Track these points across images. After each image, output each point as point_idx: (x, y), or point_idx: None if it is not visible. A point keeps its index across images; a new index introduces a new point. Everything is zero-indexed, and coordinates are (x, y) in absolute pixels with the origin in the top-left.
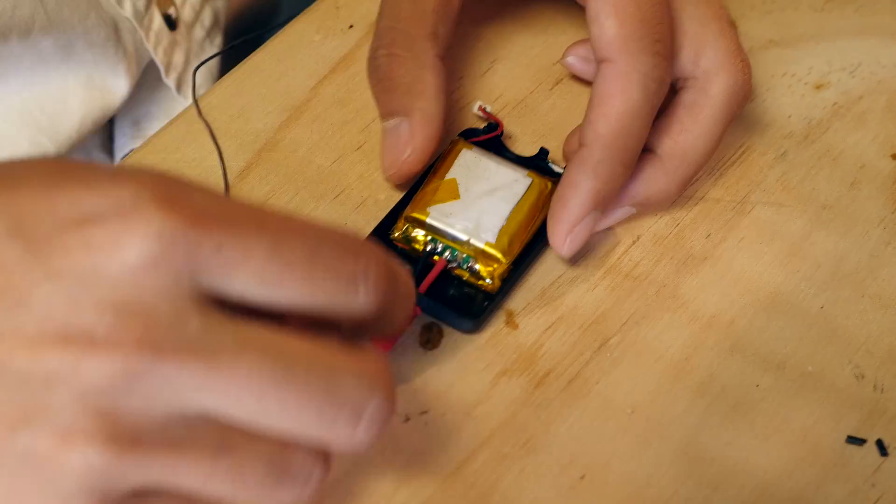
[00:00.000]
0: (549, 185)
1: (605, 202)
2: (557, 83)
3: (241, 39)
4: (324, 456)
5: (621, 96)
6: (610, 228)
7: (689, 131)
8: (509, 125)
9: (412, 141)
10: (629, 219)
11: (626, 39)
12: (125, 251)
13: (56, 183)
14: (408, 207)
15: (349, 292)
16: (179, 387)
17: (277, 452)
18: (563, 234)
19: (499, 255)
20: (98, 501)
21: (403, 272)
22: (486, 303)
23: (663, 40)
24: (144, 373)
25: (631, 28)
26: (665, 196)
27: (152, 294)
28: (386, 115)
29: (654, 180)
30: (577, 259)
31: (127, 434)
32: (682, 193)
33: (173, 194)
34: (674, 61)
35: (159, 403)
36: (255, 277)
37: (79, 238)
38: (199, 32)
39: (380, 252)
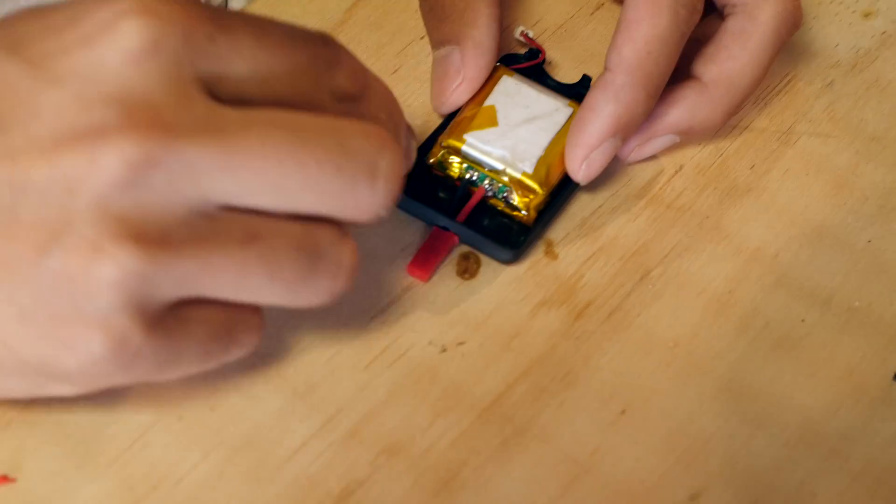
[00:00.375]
0: None
1: (625, 129)
2: (599, 7)
3: None
4: (348, 238)
5: (650, 21)
6: (653, 157)
7: (736, 59)
8: (549, 50)
9: (463, 70)
10: (672, 147)
11: None
12: (122, 37)
13: (45, 9)
14: (444, 133)
15: (330, 67)
16: (197, 170)
17: (305, 233)
18: (580, 159)
19: (535, 186)
20: (139, 315)
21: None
22: (522, 234)
23: None
24: (161, 156)
25: None
26: (710, 125)
27: (156, 79)
28: (437, 43)
29: (698, 108)
30: (618, 188)
31: (154, 234)
32: (727, 123)
33: None
34: None
35: (180, 194)
36: (245, 62)
37: (74, 35)
38: None
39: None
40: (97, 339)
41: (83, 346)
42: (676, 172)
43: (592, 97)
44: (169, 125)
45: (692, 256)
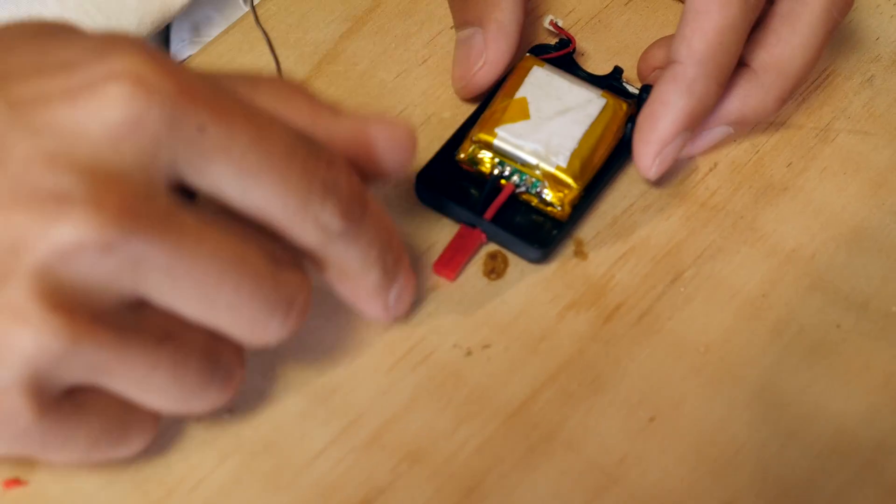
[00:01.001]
0: (624, 106)
1: (696, 122)
2: None
3: None
4: (242, 353)
5: (721, 11)
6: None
7: (786, 42)
8: (581, 42)
9: (485, 52)
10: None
11: None
12: (106, 105)
13: (46, 38)
14: (475, 127)
15: (319, 200)
16: (142, 266)
17: (210, 342)
18: (652, 155)
19: (570, 181)
20: (36, 396)
21: (382, 213)
22: (555, 231)
23: None
24: (115, 244)
25: None
26: (762, 113)
27: (130, 161)
28: (460, 24)
29: (750, 96)
30: (650, 185)
31: (84, 316)
32: (780, 110)
33: (160, 57)
34: None
35: (117, 283)
36: (233, 166)
37: (62, 85)
38: None
39: (352, 173)
40: None
41: None
42: (711, 170)
43: (663, 90)
44: (131, 215)
45: (726, 258)
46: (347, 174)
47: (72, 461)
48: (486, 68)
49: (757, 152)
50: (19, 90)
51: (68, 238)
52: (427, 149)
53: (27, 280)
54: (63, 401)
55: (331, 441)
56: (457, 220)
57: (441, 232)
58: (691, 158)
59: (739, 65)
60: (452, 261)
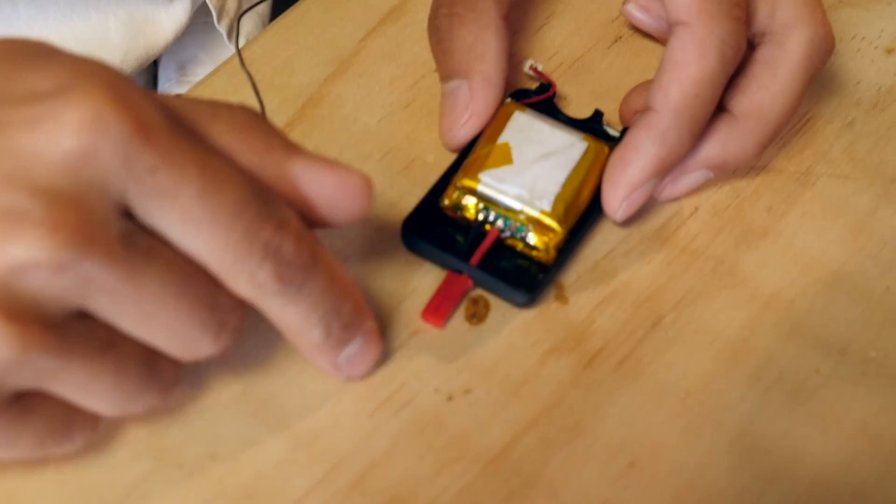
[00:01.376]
0: (606, 149)
1: (666, 170)
2: (616, 41)
3: None
4: (178, 362)
5: (698, 62)
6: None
7: (766, 89)
8: (564, 85)
9: (471, 104)
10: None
11: (705, 2)
12: (65, 134)
13: (19, 63)
14: (458, 174)
15: (257, 260)
16: (91, 286)
17: (149, 353)
18: (620, 199)
19: (554, 225)
20: None
21: (334, 267)
22: (540, 275)
23: (741, 4)
24: (69, 265)
25: None
26: (742, 158)
27: (84, 188)
28: (446, 76)
29: (730, 142)
30: (631, 230)
31: (36, 328)
32: (761, 156)
33: (127, 94)
34: (751, 16)
35: (66, 299)
36: (178, 212)
37: (23, 114)
38: None
39: (304, 233)
40: None
41: None
42: (691, 214)
43: (636, 137)
44: (84, 238)
45: (706, 303)
46: (296, 237)
47: (18, 458)
48: (472, 120)
49: (737, 196)
50: None
51: (24, 256)
52: (411, 192)
53: None
54: (11, 404)
55: (312, 487)
56: (442, 266)
57: (424, 277)
58: (672, 202)
59: (720, 110)
60: (440, 308)
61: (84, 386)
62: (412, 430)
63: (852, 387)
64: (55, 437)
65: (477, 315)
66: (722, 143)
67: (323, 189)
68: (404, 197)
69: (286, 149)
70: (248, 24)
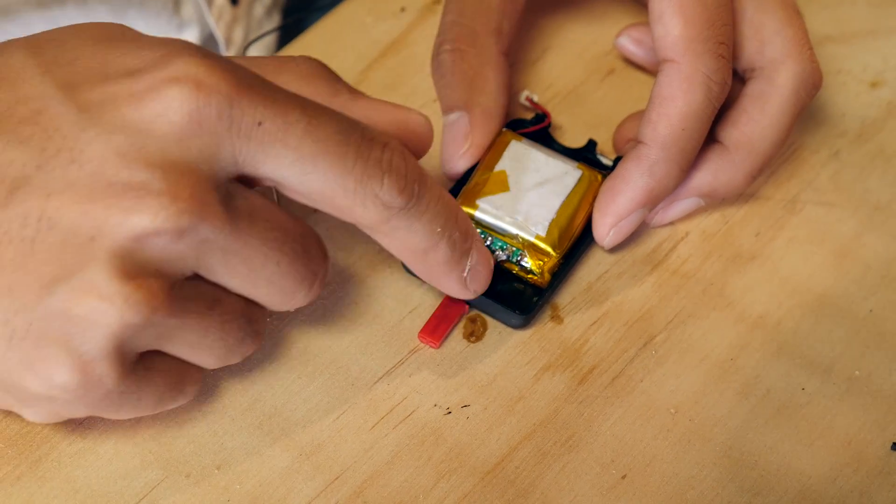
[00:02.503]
0: (599, 177)
1: (655, 201)
2: (609, 73)
3: (293, 17)
4: (266, 314)
5: (684, 98)
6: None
7: (756, 121)
8: (559, 115)
9: (471, 136)
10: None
11: (692, 41)
12: (170, 107)
13: (107, 43)
14: (457, 200)
15: (376, 177)
16: (204, 249)
17: (245, 306)
18: (608, 227)
19: (549, 249)
20: (119, 362)
21: (439, 187)
22: (535, 298)
23: (727, 43)
24: (187, 231)
25: (696, 29)
26: (733, 188)
27: (195, 156)
28: (447, 109)
29: (721, 172)
30: (624, 253)
31: (158, 292)
32: (750, 185)
33: (215, 59)
34: (740, 52)
35: (183, 262)
36: (291, 154)
37: (127, 89)
38: (258, 10)
39: (405, 150)
40: (73, 377)
41: (58, 379)
42: (682, 239)
43: (626, 168)
44: (201, 204)
45: (696, 323)
46: (402, 154)
47: (138, 415)
48: (472, 151)
49: (727, 222)
50: (88, 95)
51: (146, 225)
52: None
53: (107, 263)
54: (137, 364)
55: (315, 496)
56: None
57: (423, 296)
58: (663, 228)
59: (713, 141)
60: (437, 329)
61: (195, 342)
62: (412, 442)
63: (837, 404)
64: (172, 393)
65: (475, 333)
66: (713, 173)
67: (388, 128)
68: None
69: (351, 92)
70: (256, 54)
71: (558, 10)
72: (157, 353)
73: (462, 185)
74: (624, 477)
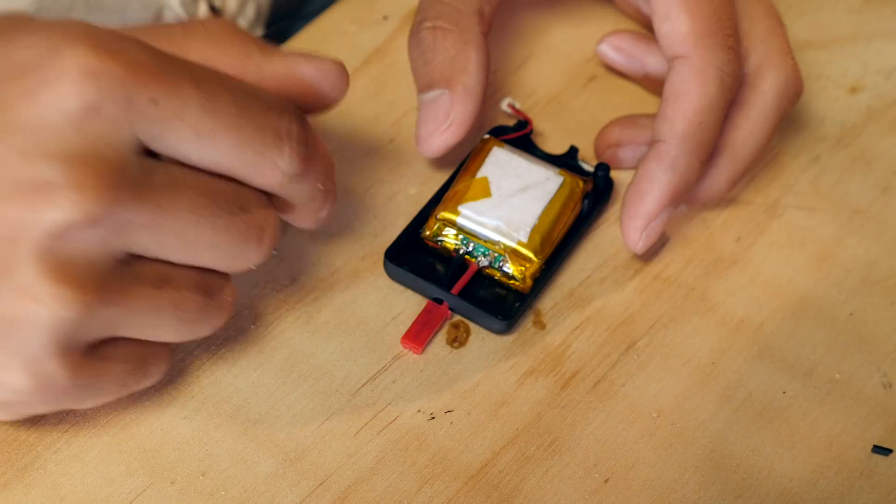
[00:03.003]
0: (581, 183)
1: (681, 197)
2: (591, 80)
3: (274, 28)
4: (229, 278)
5: (699, 91)
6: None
7: (739, 128)
8: (541, 122)
9: (452, 113)
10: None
11: (701, 35)
12: (63, 97)
13: (2, 38)
14: (439, 206)
15: (275, 147)
16: (127, 229)
17: (200, 276)
18: (640, 230)
19: (531, 255)
20: (67, 358)
21: (322, 143)
22: (517, 303)
23: (733, 35)
24: (99, 216)
25: (704, 24)
26: (714, 193)
27: (95, 141)
28: (425, 86)
29: (703, 177)
30: (606, 259)
31: (88, 283)
32: (732, 191)
33: (108, 42)
34: None
35: (109, 247)
36: (188, 130)
37: (17, 88)
38: (242, 23)
39: (301, 115)
40: (24, 380)
41: (10, 383)
42: (664, 244)
43: (648, 168)
44: (109, 187)
45: (677, 327)
46: (298, 119)
47: (104, 402)
48: (453, 128)
49: (708, 227)
50: None
51: (58, 220)
52: (394, 223)
53: (31, 264)
54: (89, 356)
55: (300, 502)
56: (423, 294)
57: (406, 302)
58: None
59: None
60: (420, 335)
61: (149, 324)
62: (396, 448)
63: (818, 407)
64: (135, 376)
65: (458, 339)
66: None
67: (304, 80)
68: (388, 228)
69: (263, 50)
70: None
71: (540, 16)
72: (113, 340)
73: (444, 192)
74: (607, 481)
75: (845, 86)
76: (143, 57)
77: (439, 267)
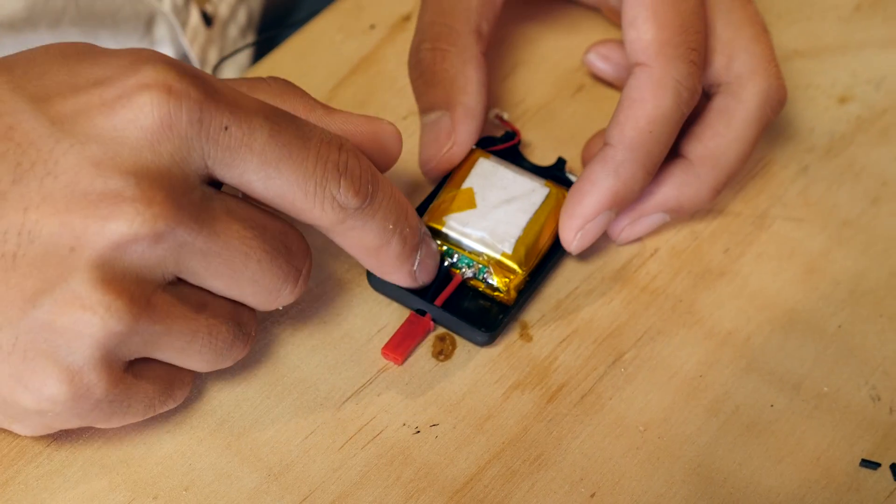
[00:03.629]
0: (567, 195)
1: (621, 203)
2: (579, 89)
3: (263, 36)
4: (255, 316)
5: (653, 101)
6: (637, 239)
7: (721, 136)
8: (529, 131)
9: (454, 135)
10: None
11: (664, 45)
12: (140, 113)
13: (74, 57)
14: (424, 217)
15: (333, 180)
16: (183, 252)
17: (233, 308)
18: (575, 230)
19: (515, 266)
20: (107, 371)
21: (391, 187)
22: (501, 315)
23: (699, 49)
24: (163, 235)
25: (669, 34)
26: (697, 202)
27: (167, 160)
28: (426, 108)
29: (686, 186)
30: (593, 270)
31: (140, 299)
32: (715, 200)
33: (185, 66)
34: (707, 67)
35: (163, 267)
36: (256, 159)
37: (97, 98)
38: (233, 31)
39: (360, 154)
40: (62, 389)
41: (47, 392)
42: (651, 255)
43: (591, 170)
44: (176, 208)
45: (665, 340)
46: (357, 156)
47: (129, 422)
48: (455, 150)
49: (696, 239)
50: (59, 107)
51: (124, 232)
52: None
53: (88, 273)
54: (126, 373)
55: None
56: (407, 306)
57: (391, 315)
58: (631, 244)
59: (678, 156)
60: (401, 346)
61: (183, 347)
62: (380, 462)
63: (805, 420)
64: (161, 398)
65: (444, 352)
66: (678, 188)
67: (363, 139)
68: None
69: (325, 107)
70: (229, 74)
71: (529, 25)
72: (147, 360)
73: (429, 202)
74: (593, 495)
75: (835, 95)
76: (219, 85)
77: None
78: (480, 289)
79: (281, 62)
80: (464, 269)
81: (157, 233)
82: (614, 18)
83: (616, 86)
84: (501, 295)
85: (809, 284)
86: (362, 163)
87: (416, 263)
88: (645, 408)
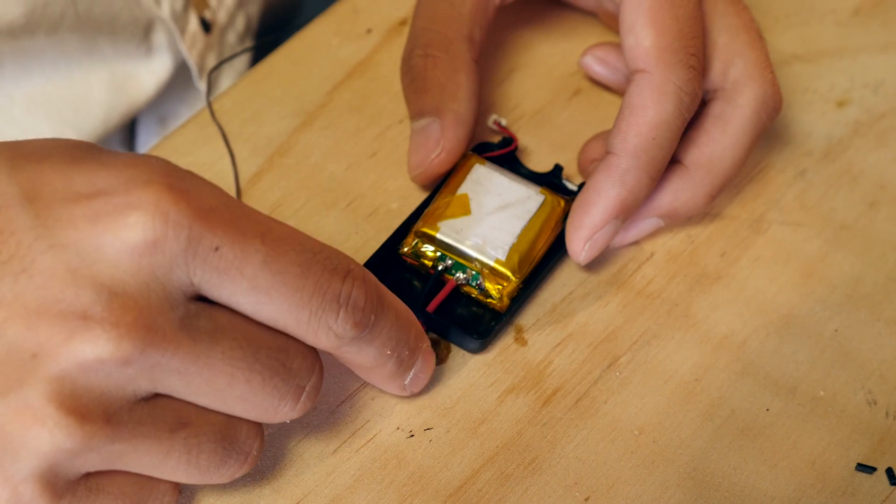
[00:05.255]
0: (562, 202)
1: (627, 212)
2: (576, 94)
3: (259, 41)
4: (261, 430)
5: (655, 107)
6: (633, 243)
7: (717, 142)
8: (525, 136)
9: (442, 141)
10: (653, 232)
11: (663, 51)
12: (128, 228)
13: (76, 160)
14: (418, 222)
15: (331, 311)
16: (157, 372)
17: (227, 424)
18: (583, 240)
19: (508, 273)
20: (50, 487)
21: (397, 309)
22: (493, 322)
23: (698, 55)
24: (132, 358)
25: (668, 40)
26: (692, 207)
27: (147, 279)
28: (417, 114)
29: (681, 191)
30: (589, 274)
31: (99, 416)
32: (710, 205)
33: (184, 184)
34: (704, 72)
35: (133, 386)
36: (247, 284)
37: (86, 210)
38: (231, 37)
39: (369, 279)
40: (3, 494)
41: None
42: (647, 259)
43: (597, 180)
44: (146, 331)
45: (660, 344)
46: (363, 283)
47: None
48: (444, 156)
49: (692, 242)
50: (48, 206)
51: (88, 353)
52: (375, 238)
53: (45, 385)
54: (78, 486)
55: None
56: None
57: None
58: (627, 248)
59: (673, 161)
60: None
61: (156, 464)
62: (374, 466)
63: (801, 424)
64: None
65: (438, 356)
66: (673, 193)
67: None
68: (368, 243)
69: None
70: (227, 79)
71: (524, 29)
72: (111, 473)
73: (424, 208)
74: (587, 499)
75: (832, 100)
76: (215, 202)
77: (416, 283)
78: (474, 295)
79: (277, 66)
80: (457, 276)
81: (124, 357)
82: (611, 23)
83: (613, 89)
84: (494, 302)
85: (806, 288)
86: (369, 290)
87: (409, 379)
88: (640, 412)
